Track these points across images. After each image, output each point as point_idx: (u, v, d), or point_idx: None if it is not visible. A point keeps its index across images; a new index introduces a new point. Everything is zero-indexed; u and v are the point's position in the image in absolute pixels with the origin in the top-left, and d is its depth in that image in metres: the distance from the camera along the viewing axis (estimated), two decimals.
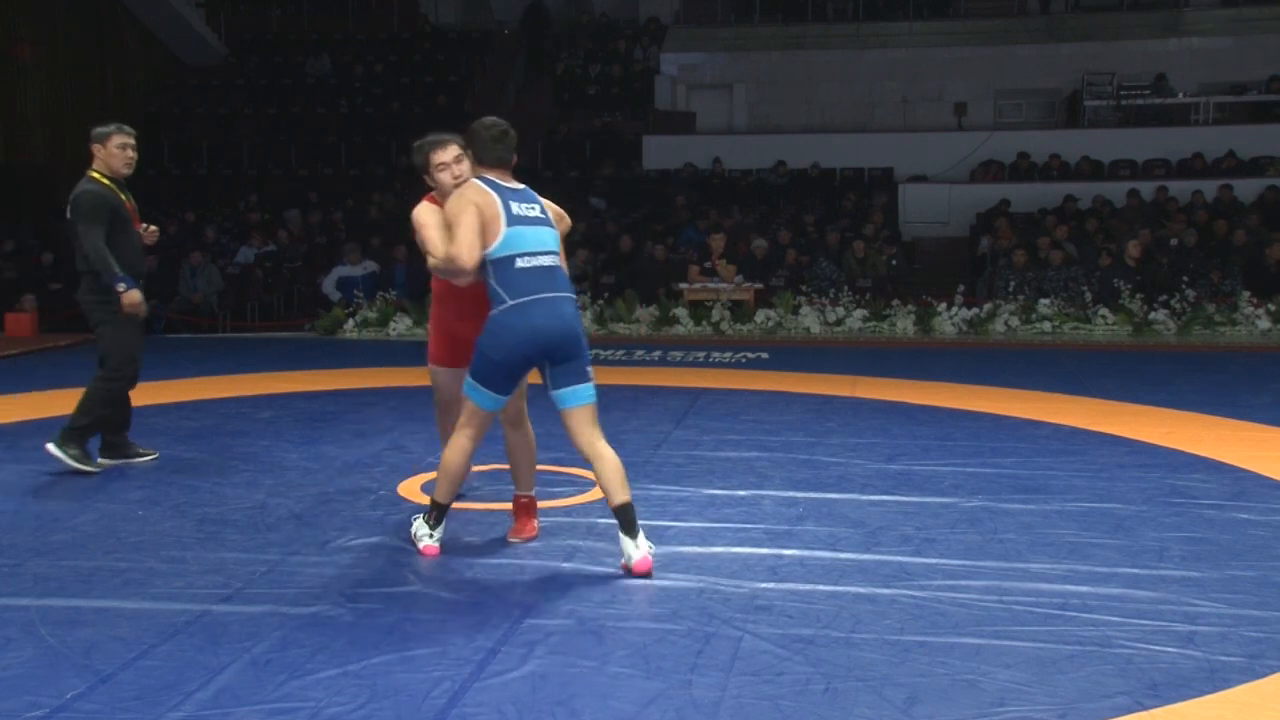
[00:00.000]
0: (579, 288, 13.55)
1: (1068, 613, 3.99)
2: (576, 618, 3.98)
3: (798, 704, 3.30)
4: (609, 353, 11.33)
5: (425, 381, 9.41)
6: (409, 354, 11.46)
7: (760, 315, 12.91)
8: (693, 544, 4.85)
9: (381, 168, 18.83)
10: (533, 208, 4.70)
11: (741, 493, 5.72)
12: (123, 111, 17.50)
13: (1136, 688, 3.38)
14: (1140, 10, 20.25)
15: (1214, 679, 3.44)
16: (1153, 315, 12.45)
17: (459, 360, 5.00)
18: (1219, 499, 5.51)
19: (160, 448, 6.65)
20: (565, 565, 4.58)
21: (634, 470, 6.14)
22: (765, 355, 11.16)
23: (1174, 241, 14.07)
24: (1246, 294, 12.68)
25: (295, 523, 5.20)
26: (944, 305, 12.87)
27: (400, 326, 13.17)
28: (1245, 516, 5.20)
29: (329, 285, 14.25)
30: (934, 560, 4.62)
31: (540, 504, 5.50)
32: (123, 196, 6.21)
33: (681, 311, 13.04)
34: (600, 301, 13.30)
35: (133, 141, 6.25)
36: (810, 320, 12.80)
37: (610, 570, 4.50)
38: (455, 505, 4.97)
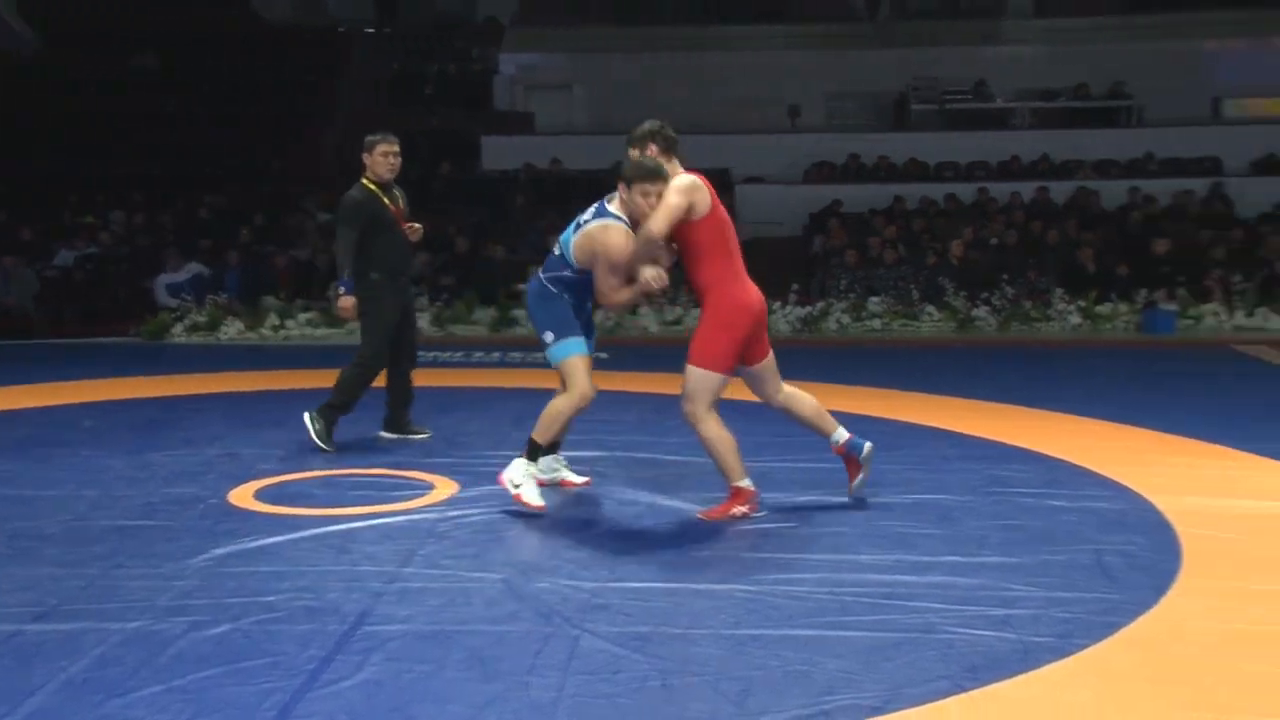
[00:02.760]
0: (416, 289, 13.39)
1: (894, 601, 4.13)
2: (413, 622, 3.95)
3: (635, 701, 3.34)
4: (448, 354, 11.24)
5: (258, 385, 9.25)
6: (241, 359, 11.16)
7: (599, 315, 12.95)
8: (532, 544, 4.86)
9: (211, 168, 18.25)
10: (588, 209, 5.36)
11: (580, 492, 5.75)
12: None
13: (957, 671, 3.52)
14: (961, 18, 21.05)
15: (1027, 659, 3.60)
16: (975, 312, 12.96)
17: None
18: (1034, 487, 5.77)
19: None
20: (403, 569, 4.53)
21: (474, 472, 6.12)
22: (605, 355, 11.14)
23: (994, 241, 14.66)
24: (1060, 291, 13.29)
25: (118, 535, 5.01)
26: (779, 304, 13.14)
27: (231, 330, 12.81)
28: (1057, 504, 5.46)
29: (161, 292, 13.77)
30: (768, 554, 4.73)
31: (379, 508, 5.44)
32: (386, 200, 6.73)
33: (521, 313, 13.01)
34: (439, 303, 13.17)
35: (396, 149, 6.79)
36: (649, 320, 12.92)
37: (448, 573, 4.47)
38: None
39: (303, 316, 13.00)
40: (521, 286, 13.24)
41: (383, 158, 6.74)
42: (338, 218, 6.75)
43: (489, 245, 14.45)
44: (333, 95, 20.27)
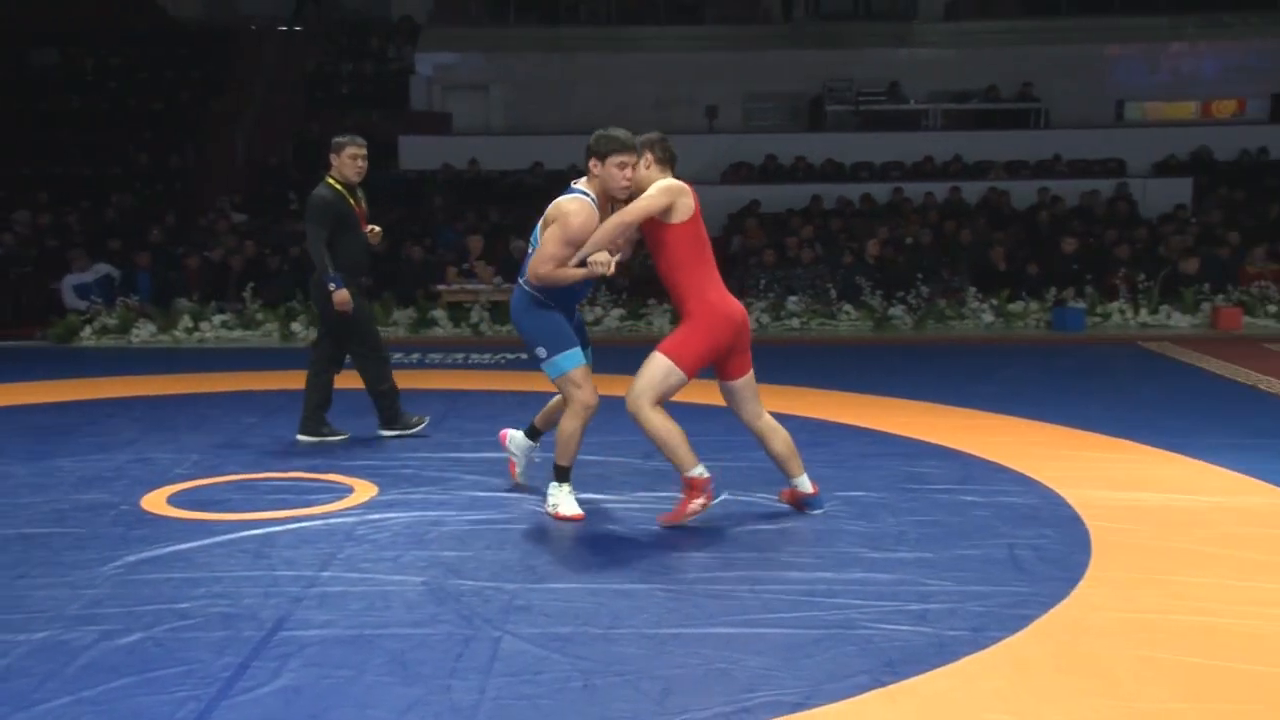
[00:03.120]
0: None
1: (814, 598, 4.18)
2: (333, 627, 3.90)
3: (556, 702, 3.33)
4: None
5: (172, 389, 9.07)
6: (154, 362, 10.94)
7: None
8: (453, 547, 4.82)
9: (119, 167, 17.86)
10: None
11: (502, 494, 5.72)
12: None
13: (875, 666, 3.57)
14: (874, 20, 21.32)
15: (943, 652, 3.67)
16: (891, 311, 13.13)
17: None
18: (949, 484, 5.87)
19: None
20: (322, 573, 4.48)
21: (393, 474, 6.07)
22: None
23: (909, 241, 14.88)
24: (973, 290, 13.53)
25: (23, 543, 4.88)
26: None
27: (143, 333, 12.54)
28: (971, 499, 5.56)
29: (69, 295, 13.42)
30: (689, 553, 4.75)
31: (296, 511, 5.37)
32: (351, 201, 6.84)
33: (440, 313, 12.93)
34: None
35: (364, 152, 6.92)
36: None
37: (368, 576, 4.42)
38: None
39: (217, 319, 12.77)
40: (440, 287, 13.20)
41: (351, 160, 6.84)
42: (307, 217, 6.80)
43: (407, 246, 14.31)
44: (245, 94, 19.94)
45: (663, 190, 4.97)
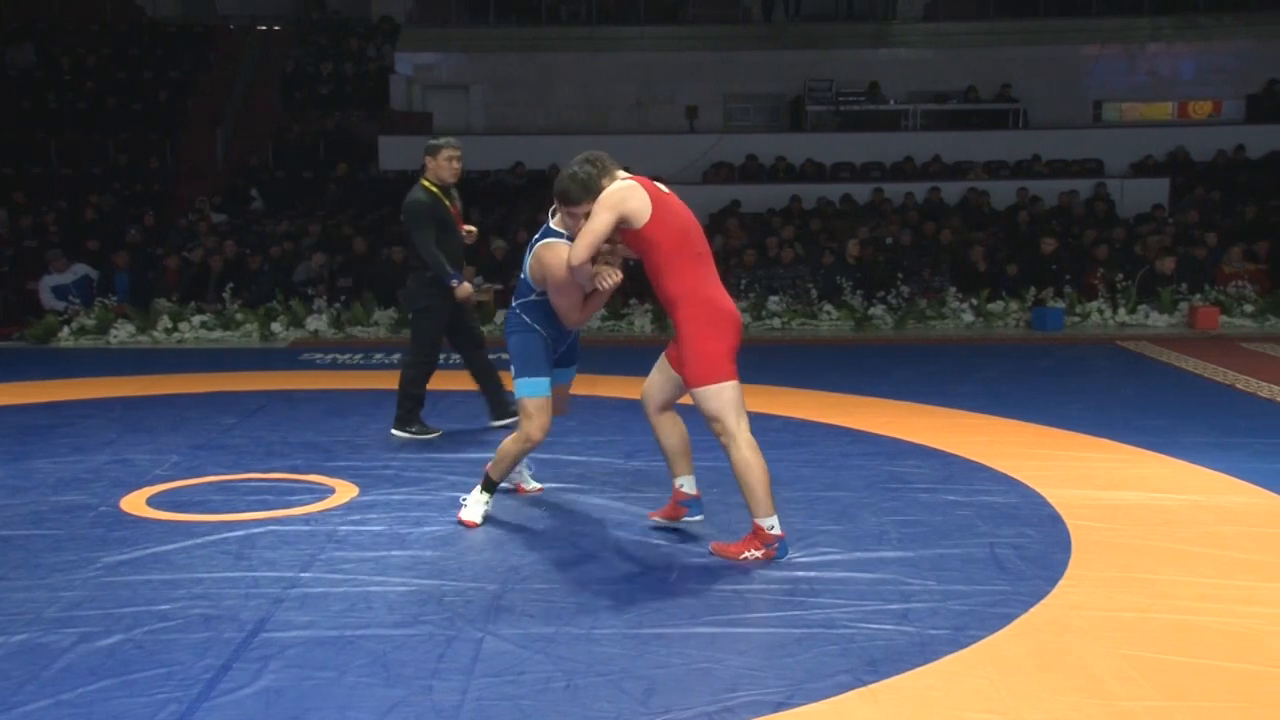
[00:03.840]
0: (314, 291, 13.19)
1: (796, 598, 4.19)
2: (314, 629, 3.89)
3: (538, 702, 3.33)
4: (346, 356, 11.09)
5: (151, 390, 9.01)
6: (131, 362, 10.88)
7: (500, 316, 12.90)
8: (435, 547, 4.81)
9: (98, 167, 17.75)
10: None
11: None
12: None
13: (857, 665, 3.58)
14: (854, 21, 21.39)
15: (925, 651, 3.68)
16: (872, 310, 13.17)
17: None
18: (930, 483, 5.89)
19: None
20: (303, 575, 4.46)
21: (374, 475, 6.05)
22: (506, 356, 11.15)
23: (889, 240, 14.92)
24: (953, 290, 13.58)
25: (1, 544, 4.85)
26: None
27: (122, 334, 12.46)
28: (953, 498, 5.58)
29: (47, 295, 13.33)
30: (671, 553, 4.75)
31: (277, 513, 5.35)
32: (447, 202, 6.90)
33: None
34: (337, 304, 12.99)
35: (460, 153, 6.93)
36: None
37: (350, 577, 4.41)
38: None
39: (196, 319, 12.71)
40: None
41: (447, 162, 6.88)
42: (410, 222, 6.88)
43: (388, 247, 14.27)
44: (223, 94, 19.85)
45: (603, 207, 4.55)
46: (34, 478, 6.06)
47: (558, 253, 4.81)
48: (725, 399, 4.55)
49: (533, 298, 5.07)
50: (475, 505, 5.23)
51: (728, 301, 4.68)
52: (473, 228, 7.16)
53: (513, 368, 5.11)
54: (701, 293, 4.60)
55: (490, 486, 5.26)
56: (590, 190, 4.65)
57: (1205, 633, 3.84)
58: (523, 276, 5.12)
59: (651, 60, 20.73)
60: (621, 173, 4.74)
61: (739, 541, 4.67)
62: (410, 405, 7.16)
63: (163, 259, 14.17)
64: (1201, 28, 20.39)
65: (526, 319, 5.09)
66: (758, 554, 4.58)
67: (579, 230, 4.63)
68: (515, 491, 5.73)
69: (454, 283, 6.87)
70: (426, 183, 6.93)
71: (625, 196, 4.56)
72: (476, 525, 5.14)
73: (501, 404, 7.24)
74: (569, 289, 4.85)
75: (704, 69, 20.67)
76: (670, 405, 4.90)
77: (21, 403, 8.46)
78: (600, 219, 4.54)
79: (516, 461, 5.23)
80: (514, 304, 5.17)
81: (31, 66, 19.67)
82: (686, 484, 4.97)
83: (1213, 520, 5.19)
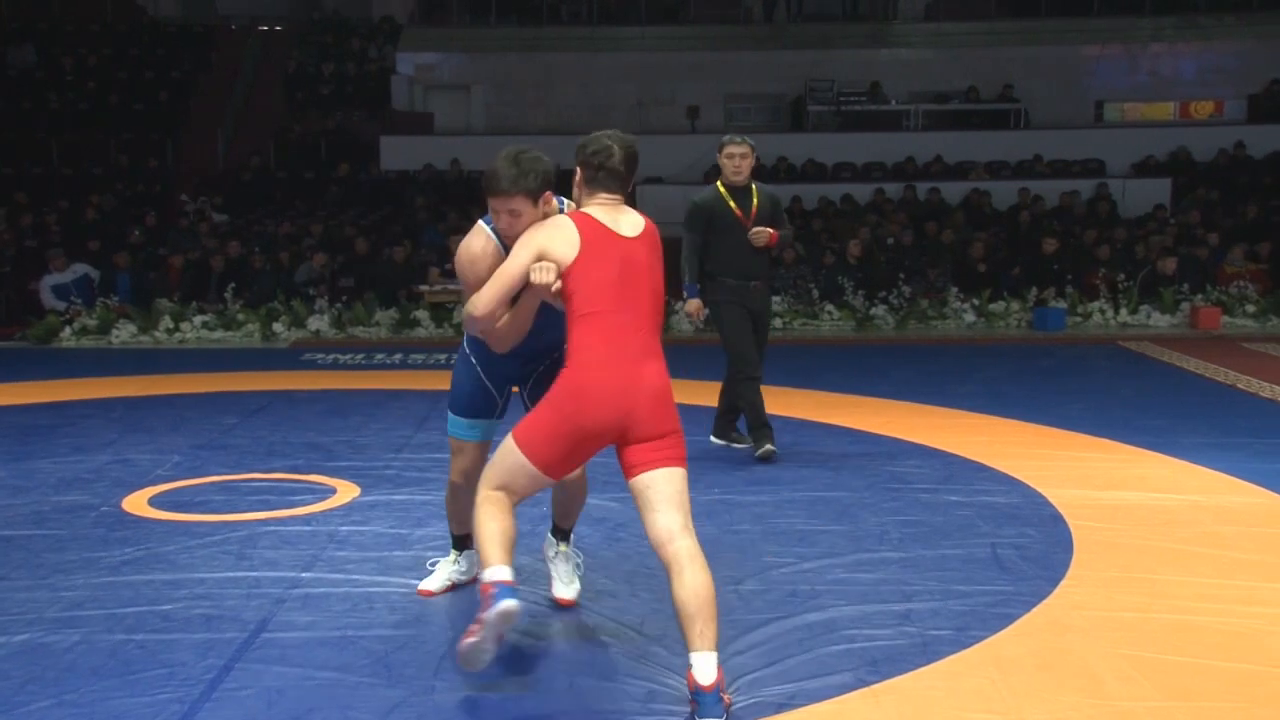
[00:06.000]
0: (315, 291, 13.20)
1: (797, 599, 4.19)
2: (316, 629, 3.89)
3: (541, 703, 3.34)
4: (348, 356, 11.09)
5: (153, 390, 9.03)
6: (133, 362, 10.89)
7: None
8: (436, 548, 4.81)
9: (99, 167, 17.76)
10: None
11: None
12: None
13: (859, 665, 3.58)
14: (855, 22, 21.39)
15: (926, 652, 3.68)
16: (873, 310, 13.17)
17: None
18: (931, 483, 5.89)
19: None
20: (305, 575, 4.47)
21: (376, 475, 6.05)
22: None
23: (891, 241, 14.92)
24: (955, 290, 13.58)
25: (2, 545, 4.85)
26: (681, 304, 13.18)
27: (123, 334, 12.47)
28: (954, 498, 5.58)
29: (47, 295, 13.34)
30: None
31: (279, 513, 5.36)
32: (732, 203, 6.42)
33: (422, 314, 12.89)
34: (339, 305, 13.00)
35: (740, 150, 6.39)
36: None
37: (353, 577, 4.41)
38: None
39: (198, 319, 12.72)
40: (423, 288, 13.17)
41: (727, 160, 6.44)
42: (684, 223, 6.58)
43: (390, 247, 14.29)
44: (225, 94, 19.86)
45: (525, 243, 3.56)
46: (36, 478, 6.06)
47: (471, 238, 3.82)
48: (507, 465, 3.52)
49: None
50: (441, 569, 4.39)
51: (602, 375, 3.45)
52: (764, 229, 6.38)
53: (449, 395, 4.19)
54: (575, 355, 3.49)
55: (458, 544, 4.36)
56: (501, 189, 3.64)
57: (1205, 633, 3.85)
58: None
59: (652, 60, 20.73)
60: (563, 201, 3.89)
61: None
62: (731, 417, 6.74)
63: (165, 258, 14.18)
64: (1203, 28, 20.38)
65: (465, 345, 4.15)
66: (481, 616, 3.28)
67: (507, 232, 3.67)
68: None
69: (685, 294, 6.53)
70: (719, 183, 6.51)
71: (552, 235, 3.54)
72: (428, 593, 4.27)
73: (723, 425, 6.76)
74: (469, 286, 3.76)
75: (705, 69, 20.67)
76: (683, 533, 3.46)
77: (23, 403, 8.47)
78: (519, 259, 3.53)
79: (452, 506, 4.28)
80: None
81: (33, 67, 19.68)
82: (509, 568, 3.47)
83: (1213, 520, 5.19)
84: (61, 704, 3.30)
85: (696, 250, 6.50)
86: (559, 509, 4.25)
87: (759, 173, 6.62)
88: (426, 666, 3.58)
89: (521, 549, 4.81)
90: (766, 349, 6.67)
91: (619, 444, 3.50)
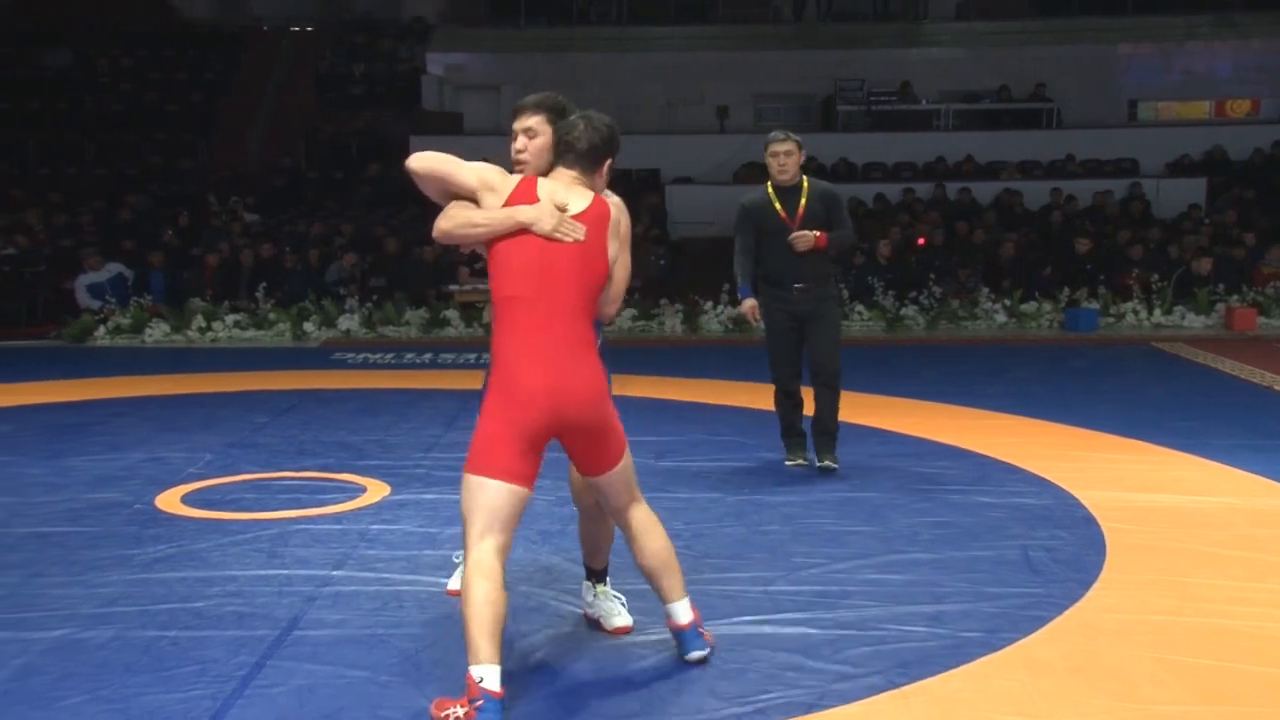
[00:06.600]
0: (345, 290, 13.27)
1: (827, 599, 4.18)
2: (346, 627, 3.91)
3: (569, 702, 3.33)
4: (379, 356, 11.14)
5: (185, 389, 9.11)
6: (166, 361, 10.98)
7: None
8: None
9: (133, 167, 17.92)
10: None
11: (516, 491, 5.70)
12: None
13: (889, 666, 3.57)
14: (885, 21, 21.30)
15: (957, 654, 3.66)
16: (903, 311, 13.11)
17: None
18: (963, 484, 5.86)
19: None
20: (336, 573, 4.49)
21: (406, 474, 6.07)
22: None
23: (921, 241, 14.85)
24: (986, 290, 13.50)
25: (38, 542, 4.91)
26: (710, 304, 13.19)
27: (156, 333, 12.58)
28: (985, 500, 5.55)
29: (83, 294, 13.47)
30: (702, 554, 4.74)
31: (309, 511, 5.39)
32: (778, 205, 6.15)
33: (452, 313, 12.94)
34: (369, 304, 13.06)
35: (784, 148, 6.10)
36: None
37: (382, 576, 4.43)
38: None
39: (229, 318, 12.81)
40: (452, 287, 13.19)
41: (771, 158, 6.15)
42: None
43: (420, 247, 14.34)
44: (256, 94, 19.99)
45: (483, 166, 3.64)
46: (70, 475, 6.12)
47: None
48: (474, 500, 3.34)
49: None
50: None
51: (534, 376, 3.33)
52: (806, 233, 6.04)
53: None
54: (501, 356, 3.39)
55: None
56: (551, 103, 3.90)
57: (1239, 637, 3.81)
58: None
59: (681, 60, 20.70)
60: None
61: (445, 698, 3.27)
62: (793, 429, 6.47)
63: (199, 258, 14.30)
64: (1238, 25, 20.17)
65: None
66: (457, 713, 3.15)
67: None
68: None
69: (739, 295, 6.33)
70: (769, 183, 6.23)
71: (494, 184, 3.60)
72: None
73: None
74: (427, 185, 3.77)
75: (734, 69, 20.62)
76: (633, 502, 3.65)
77: (58, 401, 8.55)
78: (469, 168, 3.65)
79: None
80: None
81: (68, 68, 19.88)
82: (676, 611, 3.62)
83: (1247, 523, 5.14)
84: (96, 699, 3.33)
85: (746, 252, 6.27)
86: (587, 546, 4.03)
87: None
88: (456, 665, 3.58)
89: (550, 548, 4.83)
90: (830, 353, 6.16)
91: (559, 437, 3.44)
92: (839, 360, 6.20)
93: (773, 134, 6.24)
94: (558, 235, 3.42)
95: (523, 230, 3.42)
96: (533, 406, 3.31)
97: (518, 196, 3.48)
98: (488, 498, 3.32)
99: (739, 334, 12.94)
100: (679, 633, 3.62)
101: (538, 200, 3.47)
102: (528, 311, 3.38)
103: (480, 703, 3.11)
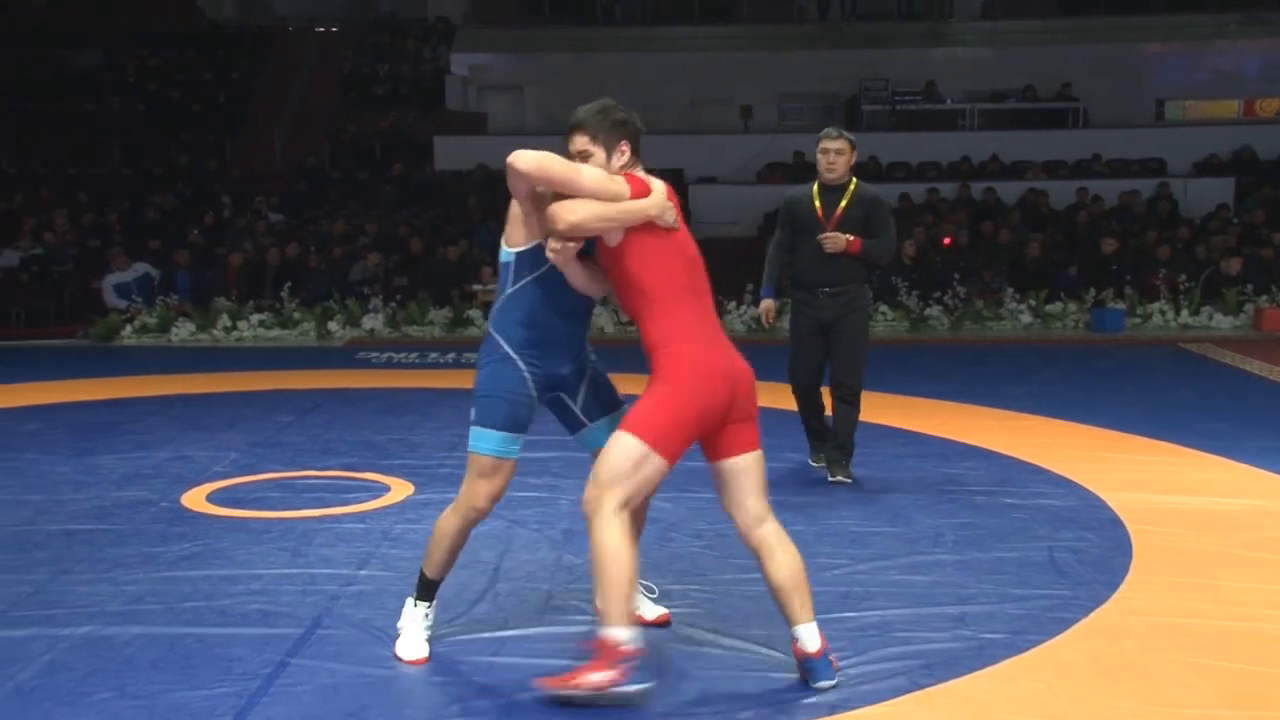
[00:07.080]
0: (370, 290, 13.31)
1: (850, 600, 4.16)
2: (370, 626, 3.92)
3: (592, 703, 3.33)
4: (402, 355, 11.18)
5: (211, 388, 9.15)
6: (191, 360, 11.04)
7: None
8: (490, 546, 4.83)
9: (159, 167, 18.04)
10: None
11: (538, 494, 5.71)
12: None
13: (913, 668, 3.55)
14: (910, 20, 21.22)
15: (981, 656, 3.64)
16: (928, 311, 13.06)
17: None
18: (987, 485, 5.83)
19: None
20: (360, 572, 4.51)
21: (429, 474, 6.08)
22: None
23: (946, 241, 14.78)
24: (1011, 290, 13.43)
25: (66, 539, 4.94)
26: (734, 304, 13.17)
27: (183, 332, 12.66)
28: (1010, 501, 5.52)
29: (109, 294, 13.58)
30: (724, 555, 4.73)
31: (333, 510, 5.40)
32: (818, 203, 5.98)
33: (475, 313, 12.97)
34: (393, 304, 13.11)
35: (834, 146, 5.95)
36: (604, 320, 12.91)
37: (405, 575, 4.44)
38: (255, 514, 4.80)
39: (254, 318, 12.88)
40: (476, 287, 13.23)
41: (821, 155, 5.98)
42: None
43: (444, 246, 14.39)
44: (281, 95, 20.09)
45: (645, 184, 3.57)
46: (97, 473, 6.16)
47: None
48: (638, 470, 3.38)
49: (521, 285, 3.60)
50: (409, 627, 3.70)
51: (714, 356, 3.46)
52: (836, 235, 5.88)
53: (472, 409, 3.67)
54: (681, 342, 3.45)
55: (425, 590, 3.72)
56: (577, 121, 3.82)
57: (1269, 640, 3.77)
58: (504, 261, 3.66)
59: (705, 60, 20.69)
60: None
61: (579, 667, 3.31)
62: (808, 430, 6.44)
63: (228, 258, 14.38)
64: (1267, 24, 20.00)
65: (504, 347, 3.63)
66: (603, 676, 3.23)
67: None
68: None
69: (761, 294, 6.32)
70: (816, 180, 6.09)
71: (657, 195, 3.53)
72: (422, 659, 3.61)
73: (818, 448, 6.34)
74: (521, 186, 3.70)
75: (757, 68, 20.59)
76: (764, 516, 3.57)
77: (85, 400, 8.61)
78: (605, 184, 3.52)
79: (455, 543, 3.69)
80: (492, 313, 3.70)
81: (97, 69, 20.03)
82: (804, 634, 3.46)
83: (1276, 526, 5.10)
84: (123, 695, 3.35)
85: (779, 246, 6.18)
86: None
87: (812, 171, 6.37)
88: (479, 664, 3.59)
89: (575, 548, 4.83)
90: (850, 367, 5.97)
91: (714, 427, 3.47)
92: (860, 375, 6.03)
93: (825, 130, 6.09)
94: (671, 224, 3.53)
95: (649, 223, 3.49)
96: (722, 391, 3.42)
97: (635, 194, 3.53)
98: (651, 473, 3.41)
99: (762, 334, 12.91)
100: (807, 661, 3.41)
101: (651, 192, 3.54)
102: (693, 298, 3.52)
103: (626, 666, 3.22)
